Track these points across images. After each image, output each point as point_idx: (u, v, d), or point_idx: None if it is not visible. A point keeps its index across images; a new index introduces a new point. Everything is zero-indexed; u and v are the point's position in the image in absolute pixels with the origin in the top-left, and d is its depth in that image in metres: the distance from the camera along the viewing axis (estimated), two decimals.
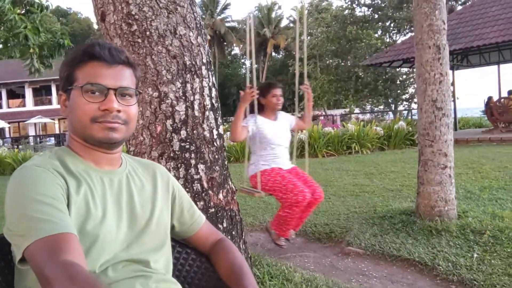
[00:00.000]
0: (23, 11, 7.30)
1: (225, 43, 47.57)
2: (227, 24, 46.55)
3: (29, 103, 35.87)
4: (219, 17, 46.76)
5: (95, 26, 45.96)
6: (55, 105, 35.04)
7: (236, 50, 51.93)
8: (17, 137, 28.52)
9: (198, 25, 2.36)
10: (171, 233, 1.24)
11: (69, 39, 8.22)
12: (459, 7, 28.28)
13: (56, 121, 34.18)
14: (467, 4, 21.68)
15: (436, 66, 3.71)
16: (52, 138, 25.83)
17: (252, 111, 3.38)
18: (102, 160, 1.11)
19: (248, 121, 3.31)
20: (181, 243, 1.32)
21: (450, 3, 30.40)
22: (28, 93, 35.67)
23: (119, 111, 1.05)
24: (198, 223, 1.30)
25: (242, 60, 54.03)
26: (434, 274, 2.88)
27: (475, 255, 2.98)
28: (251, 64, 3.99)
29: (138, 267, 1.07)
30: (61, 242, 0.88)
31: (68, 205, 0.98)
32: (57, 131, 33.10)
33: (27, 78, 31.21)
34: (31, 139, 26.25)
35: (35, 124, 33.69)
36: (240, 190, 3.37)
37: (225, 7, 47.70)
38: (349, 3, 22.24)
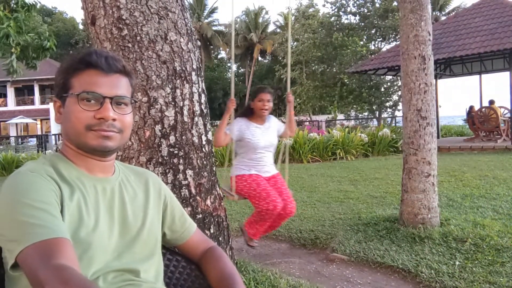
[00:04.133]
0: (8, 11, 7.17)
1: (211, 47, 47.53)
2: (214, 28, 46.52)
3: (11, 102, 35.24)
4: (206, 21, 46.69)
5: (80, 27, 45.44)
6: (37, 105, 34.50)
7: (223, 54, 51.92)
8: None
9: (189, 31, 2.37)
10: (162, 240, 1.24)
11: (54, 40, 8.09)
12: (443, 18, 28.79)
13: (38, 122, 33.65)
14: (451, 14, 22.13)
15: (421, 76, 3.78)
16: (34, 139, 25.36)
17: (241, 115, 3.43)
18: (95, 167, 1.11)
19: (233, 126, 3.33)
20: (171, 251, 1.33)
21: (434, 13, 30.97)
22: (10, 92, 35.05)
23: (114, 119, 1.05)
24: (189, 231, 1.31)
25: (229, 64, 54.05)
26: (417, 281, 2.92)
27: (457, 263, 3.04)
28: (233, 74, 4.05)
29: (128, 276, 1.07)
30: (55, 246, 0.88)
31: (62, 211, 0.98)
32: (39, 132, 32.56)
33: (9, 77, 30.62)
34: (12, 139, 25.77)
35: (16, 124, 33.12)
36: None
37: (212, 11, 47.62)
38: (336, 10, 22.49)
